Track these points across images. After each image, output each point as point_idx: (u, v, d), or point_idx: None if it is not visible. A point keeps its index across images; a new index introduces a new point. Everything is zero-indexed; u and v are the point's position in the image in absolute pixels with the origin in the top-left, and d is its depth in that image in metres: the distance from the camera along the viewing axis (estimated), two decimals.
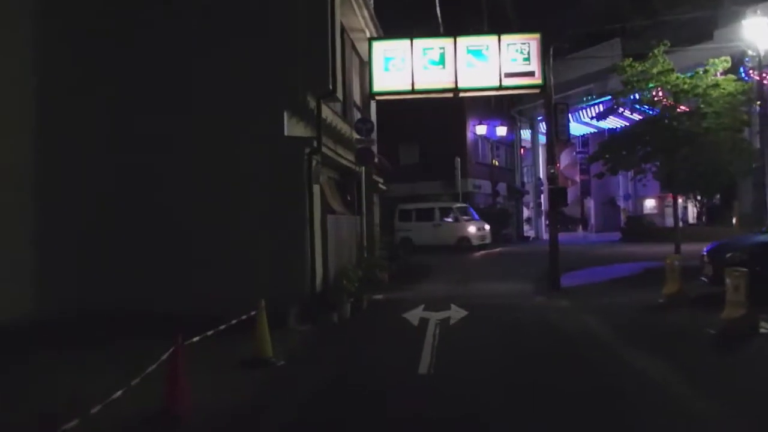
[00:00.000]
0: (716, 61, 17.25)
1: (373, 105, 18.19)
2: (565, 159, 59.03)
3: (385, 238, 22.50)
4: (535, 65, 14.29)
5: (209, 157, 9.91)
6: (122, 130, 10.13)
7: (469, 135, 35.98)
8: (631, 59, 18.29)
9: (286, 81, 9.89)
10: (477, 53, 14.32)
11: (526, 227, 45.64)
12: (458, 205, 31.04)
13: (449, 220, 29.86)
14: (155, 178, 10.04)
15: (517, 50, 14.33)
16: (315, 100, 9.90)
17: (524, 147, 47.74)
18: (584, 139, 51.90)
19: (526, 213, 47.59)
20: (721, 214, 32.41)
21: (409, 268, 19.60)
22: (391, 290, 14.48)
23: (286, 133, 9.67)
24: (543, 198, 48.90)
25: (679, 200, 44.92)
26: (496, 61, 14.25)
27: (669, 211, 46.07)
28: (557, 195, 14.47)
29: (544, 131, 47.52)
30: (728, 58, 17.40)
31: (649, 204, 46.44)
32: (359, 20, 14.13)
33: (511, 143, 43.83)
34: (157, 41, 10.19)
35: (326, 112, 11.11)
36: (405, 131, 34.37)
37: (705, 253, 11.72)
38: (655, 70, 17.76)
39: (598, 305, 11.93)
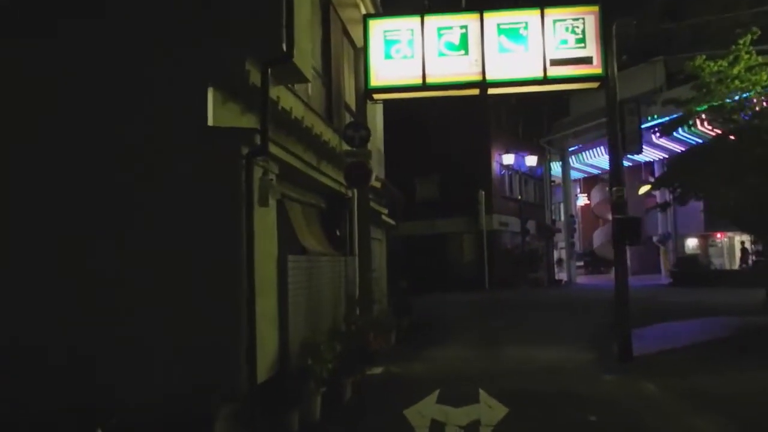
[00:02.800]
0: None
1: (379, 112, 14.44)
2: (596, 196, 54.98)
3: (399, 284, 18.58)
4: (592, 49, 10.42)
5: (83, 154, 6.06)
6: None
7: (495, 166, 32.04)
8: (704, 57, 14.35)
9: (214, 41, 6.06)
10: (512, 34, 10.49)
11: (557, 270, 41.30)
12: None
13: None
14: None
15: (567, 29, 10.49)
16: (259, 69, 6.06)
17: (554, 181, 43.67)
18: None
19: (556, 254, 43.32)
20: None
21: (425, 321, 15.56)
22: (396, 358, 10.45)
23: (210, 122, 5.80)
24: (576, 237, 44.79)
25: (722, 237, 40.93)
26: (538, 44, 10.42)
27: (713, 251, 41.84)
28: (627, 227, 10.39)
29: (578, 164, 43.91)
30: None
31: (691, 243, 41.95)
32: None
33: (540, 177, 39.76)
34: None
35: (289, 100, 7.25)
36: (423, 162, 30.73)
37: None
38: (736, 70, 13.82)
39: (706, 391, 7.78)
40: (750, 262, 32.39)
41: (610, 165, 10.92)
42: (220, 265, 5.77)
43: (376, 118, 14.64)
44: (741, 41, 13.58)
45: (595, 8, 10.49)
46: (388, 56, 10.51)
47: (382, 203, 15.22)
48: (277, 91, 6.80)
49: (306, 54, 7.02)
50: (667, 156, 38.36)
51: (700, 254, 36.63)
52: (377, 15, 11.09)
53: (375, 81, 10.47)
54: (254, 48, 6.16)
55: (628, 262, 36.45)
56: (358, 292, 10.38)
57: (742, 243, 35.54)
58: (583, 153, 40.79)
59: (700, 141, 23.87)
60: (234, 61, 5.99)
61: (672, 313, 15.95)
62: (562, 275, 40.32)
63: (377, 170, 14.34)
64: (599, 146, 39.85)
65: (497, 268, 30.22)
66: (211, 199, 5.87)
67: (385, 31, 10.54)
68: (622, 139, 10.57)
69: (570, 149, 41.03)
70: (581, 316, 16.84)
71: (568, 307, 19.83)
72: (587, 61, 10.42)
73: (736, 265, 36.13)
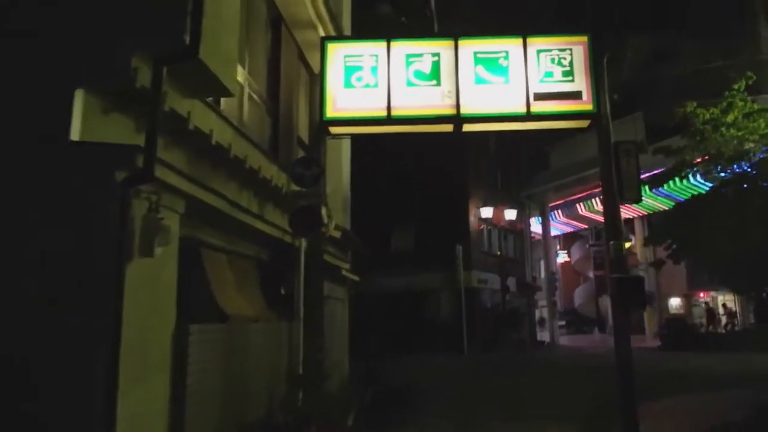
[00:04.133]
0: None
1: (346, 153, 12.93)
2: (576, 252, 53.85)
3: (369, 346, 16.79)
4: (581, 83, 9.04)
5: None
6: None
7: (473, 220, 30.60)
8: (695, 103, 13.16)
9: (97, 30, 4.49)
10: (491, 64, 9.08)
11: (538, 329, 39.59)
12: None
13: None
14: None
15: (553, 60, 9.12)
16: (150, 66, 4.47)
17: (534, 237, 42.41)
18: (598, 231, 46.99)
19: (537, 313, 41.68)
20: None
21: (395, 392, 13.66)
22: None
23: (76, 136, 4.16)
24: (557, 295, 43.36)
25: (705, 297, 39.60)
26: (520, 76, 9.02)
27: (696, 311, 40.47)
28: (628, 288, 8.77)
29: (560, 218, 42.80)
30: None
31: (674, 303, 40.76)
32: (306, 6, 8.94)
33: (520, 232, 38.41)
34: None
35: (208, 120, 5.65)
36: (398, 213, 29.33)
37: None
38: (731, 117, 12.61)
39: None
40: (735, 323, 31.07)
41: (604, 215, 9.40)
42: (80, 333, 4.03)
43: (342, 159, 13.13)
44: (736, 86, 12.42)
45: (584, 38, 9.17)
46: (348, 84, 9.01)
47: (346, 256, 13.55)
48: (188, 105, 5.20)
49: (228, 58, 5.45)
50: (639, 214, 37.67)
51: (683, 315, 35.36)
52: (338, 38, 9.64)
53: (332, 111, 8.94)
54: (153, 42, 4.59)
55: (610, 321, 35.03)
56: (303, 368, 8.56)
57: (724, 305, 34.35)
58: (566, 208, 39.87)
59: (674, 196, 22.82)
60: (118, 57, 4.39)
61: (675, 383, 14.26)
62: (544, 336, 38.61)
63: (341, 218, 12.73)
64: (579, 203, 39.07)
65: (477, 328, 28.44)
66: (64, 244, 4.17)
67: (346, 56, 9.07)
68: (619, 186, 9.10)
69: (551, 204, 39.99)
70: (574, 385, 15.10)
71: (558, 373, 18.06)
72: (576, 95, 9.03)
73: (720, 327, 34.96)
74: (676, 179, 20.68)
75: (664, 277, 34.84)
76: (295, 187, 8.60)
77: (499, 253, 32.21)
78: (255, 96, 7.90)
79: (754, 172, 12.45)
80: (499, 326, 29.59)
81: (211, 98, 5.77)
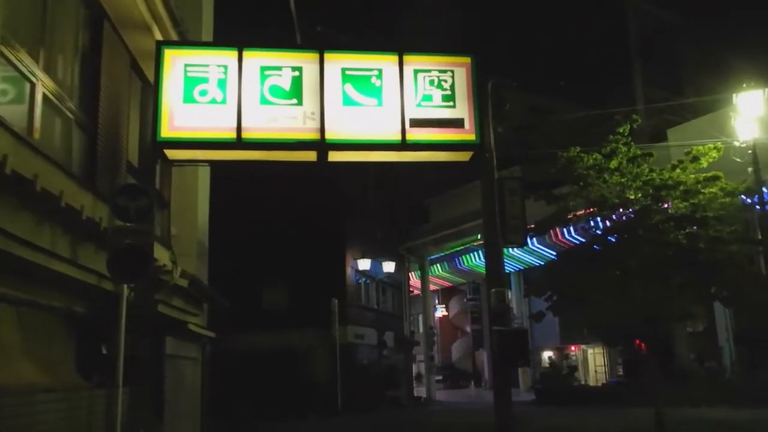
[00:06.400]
0: (704, 148, 12.00)
1: (203, 190, 11.25)
2: (454, 307, 53.89)
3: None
4: (463, 110, 8.04)
5: None
6: None
7: (350, 272, 29.22)
8: (578, 149, 12.68)
9: None
10: (361, 83, 7.89)
11: (415, 385, 38.44)
12: None
13: None
14: None
15: (432, 82, 8.08)
16: None
17: (412, 291, 41.65)
18: (475, 285, 47.11)
19: (415, 368, 40.63)
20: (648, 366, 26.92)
21: None
22: None
23: None
24: (435, 350, 42.74)
25: (576, 350, 40.46)
26: (395, 97, 7.89)
27: (567, 364, 41.10)
28: (512, 342, 7.61)
29: (439, 272, 42.46)
30: (720, 145, 12.20)
31: (546, 356, 41.19)
32: (137, 3, 7.29)
33: (399, 286, 37.45)
34: None
35: None
36: (270, 265, 27.36)
37: None
38: (614, 163, 12.20)
39: None
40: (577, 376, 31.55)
41: (486, 260, 8.34)
42: None
43: (199, 196, 11.40)
44: (620, 130, 12.05)
45: (467, 60, 8.23)
46: (189, 99, 7.46)
47: (198, 309, 11.67)
48: None
49: None
50: (515, 269, 38.13)
51: (562, 367, 35.56)
52: (177, 43, 8.05)
53: (168, 131, 7.32)
54: None
55: (486, 374, 34.40)
56: None
57: (567, 357, 35.24)
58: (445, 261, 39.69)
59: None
60: None
61: None
62: (421, 391, 37.47)
63: (193, 265, 10.91)
64: (458, 257, 38.92)
65: (353, 387, 26.73)
66: None
67: (188, 66, 7.54)
68: (502, 227, 8.05)
69: (429, 258, 39.55)
70: None
71: None
72: (457, 123, 8.00)
73: (590, 379, 35.47)
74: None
75: (537, 329, 35.09)
76: (118, 222, 6.85)
77: (376, 306, 30.92)
78: (58, 102, 6.15)
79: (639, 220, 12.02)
80: (375, 384, 28.07)
81: None
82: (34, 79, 5.57)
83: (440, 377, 46.70)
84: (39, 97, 5.66)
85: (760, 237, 13.21)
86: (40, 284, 5.91)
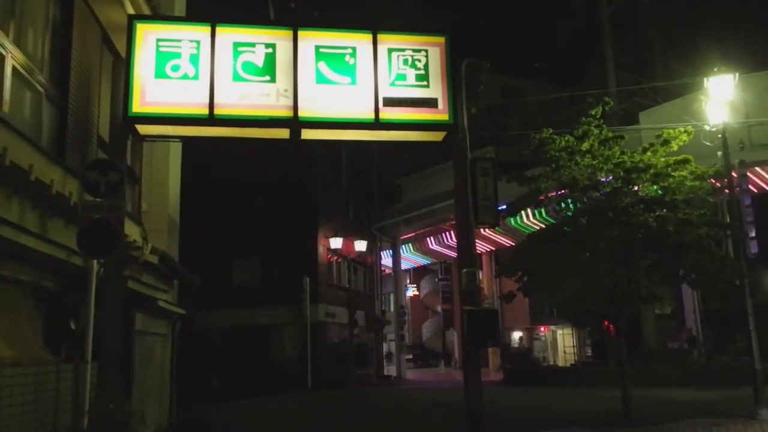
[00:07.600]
0: (675, 131, 12.20)
1: (174, 166, 11.13)
2: (425, 286, 54.19)
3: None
4: (437, 89, 8.09)
5: None
6: None
7: (322, 251, 29.24)
8: (550, 130, 12.79)
9: None
10: (335, 60, 7.89)
11: (386, 364, 38.79)
12: None
13: None
14: None
15: (406, 62, 8.11)
16: None
17: (384, 270, 41.83)
18: (447, 265, 47.43)
19: (385, 347, 40.96)
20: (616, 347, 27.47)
21: None
22: None
23: None
24: (406, 329, 43.08)
25: (545, 331, 41.14)
26: (369, 76, 7.91)
27: (537, 344, 41.73)
28: (482, 323, 7.75)
29: (411, 252, 42.66)
30: (691, 129, 12.41)
31: (516, 336, 41.77)
32: None
33: (371, 265, 37.59)
34: None
35: None
36: (242, 243, 27.29)
37: None
38: (586, 145, 12.34)
39: None
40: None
41: (458, 241, 8.43)
42: None
43: (170, 172, 11.28)
44: (592, 112, 12.18)
45: (441, 39, 8.25)
46: (161, 74, 7.39)
47: (168, 285, 11.63)
48: None
49: None
50: (487, 250, 38.47)
51: (522, 348, 36.15)
52: (150, 18, 7.94)
53: (140, 105, 7.25)
54: None
55: (456, 354, 34.72)
56: (88, 422, 6.62)
57: (521, 340, 35.80)
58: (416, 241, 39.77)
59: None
60: None
61: (520, 421, 13.59)
62: (391, 370, 37.83)
63: (164, 242, 10.86)
64: (430, 237, 39.07)
65: (323, 364, 26.90)
66: None
67: (160, 41, 7.46)
68: (474, 207, 8.15)
69: (402, 237, 39.67)
70: (425, 428, 14.11)
71: (406, 413, 16.89)
72: (431, 103, 8.05)
73: (559, 360, 36.10)
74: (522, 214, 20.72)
75: (508, 310, 35.50)
76: (89, 197, 6.79)
77: (348, 285, 31.05)
78: (28, 75, 6.05)
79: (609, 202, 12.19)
80: (346, 362, 28.26)
81: None
82: (3, 51, 5.48)
83: (410, 356, 47.07)
84: (8, 70, 5.57)
85: (728, 220, 13.49)
86: (7, 258, 5.86)
